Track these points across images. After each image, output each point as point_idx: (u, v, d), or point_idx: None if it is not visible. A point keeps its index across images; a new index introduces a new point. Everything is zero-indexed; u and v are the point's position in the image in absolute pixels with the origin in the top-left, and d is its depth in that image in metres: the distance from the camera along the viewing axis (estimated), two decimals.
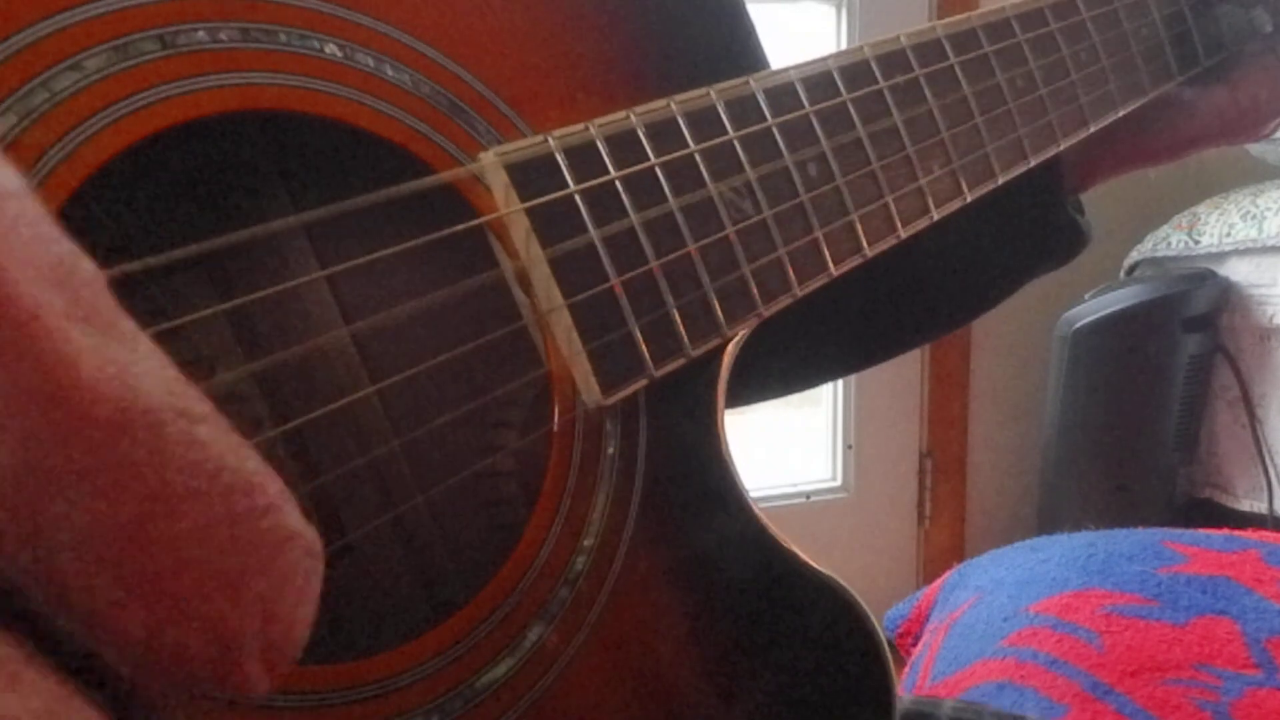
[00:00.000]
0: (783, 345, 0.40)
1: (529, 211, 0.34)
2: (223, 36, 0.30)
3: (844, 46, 1.79)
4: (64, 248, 0.16)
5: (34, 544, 0.14)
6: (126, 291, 0.18)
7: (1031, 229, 0.60)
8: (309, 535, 0.18)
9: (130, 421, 0.15)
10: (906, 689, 1.05)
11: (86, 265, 0.16)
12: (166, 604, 0.15)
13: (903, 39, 0.45)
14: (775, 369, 0.47)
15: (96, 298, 0.16)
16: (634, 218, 0.36)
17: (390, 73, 0.33)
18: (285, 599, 0.17)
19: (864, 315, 0.54)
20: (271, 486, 0.17)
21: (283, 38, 0.31)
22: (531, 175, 0.34)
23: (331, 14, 0.32)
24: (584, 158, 0.35)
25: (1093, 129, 0.54)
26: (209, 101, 0.29)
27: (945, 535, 1.94)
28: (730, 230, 0.38)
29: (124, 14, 0.28)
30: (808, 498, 1.88)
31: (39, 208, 0.16)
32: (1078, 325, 1.71)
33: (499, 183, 0.34)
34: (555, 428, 0.35)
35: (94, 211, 0.31)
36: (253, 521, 0.16)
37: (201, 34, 0.30)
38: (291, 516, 0.17)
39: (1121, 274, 1.85)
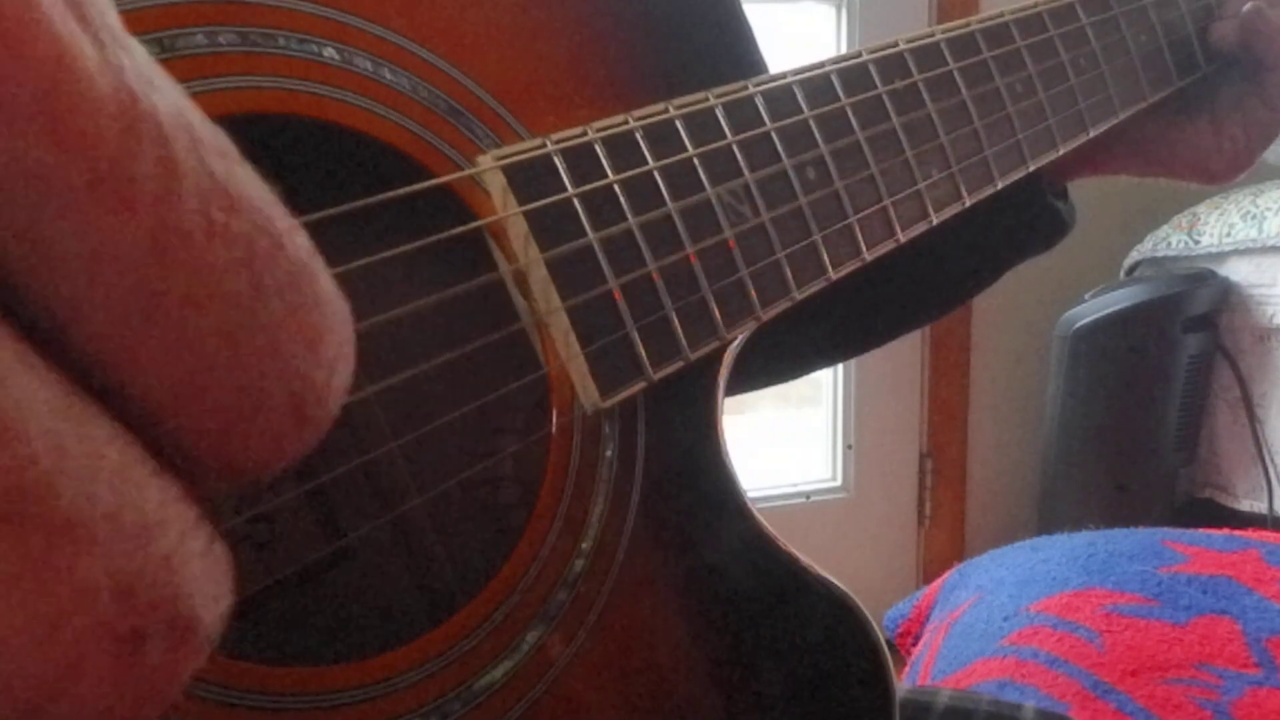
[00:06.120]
0: (767, 335, 0.41)
1: (527, 214, 0.34)
2: (221, 41, 0.30)
3: (844, 48, 1.79)
4: None
5: (37, 261, 0.12)
6: None
7: (1010, 216, 0.60)
8: (340, 300, 0.15)
9: (137, 131, 0.13)
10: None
11: None
12: (185, 343, 0.13)
13: (901, 43, 0.45)
14: (758, 359, 0.47)
15: (104, 9, 0.13)
16: (632, 221, 0.36)
17: (389, 76, 0.33)
18: (321, 350, 0.14)
19: (844, 305, 0.54)
20: (299, 236, 0.14)
21: (281, 41, 0.31)
22: (529, 178, 0.34)
23: (330, 17, 0.32)
24: (582, 161, 0.35)
25: (1092, 134, 0.54)
26: (207, 105, 0.29)
27: (945, 535, 1.94)
28: (729, 234, 0.38)
29: (122, 18, 0.28)
30: (808, 498, 1.88)
31: None
32: (1078, 325, 1.71)
33: (497, 185, 0.34)
34: (553, 430, 0.36)
35: None
36: (281, 266, 0.14)
37: (200, 38, 0.30)
38: (318, 269, 0.15)
39: (1121, 274, 1.85)
